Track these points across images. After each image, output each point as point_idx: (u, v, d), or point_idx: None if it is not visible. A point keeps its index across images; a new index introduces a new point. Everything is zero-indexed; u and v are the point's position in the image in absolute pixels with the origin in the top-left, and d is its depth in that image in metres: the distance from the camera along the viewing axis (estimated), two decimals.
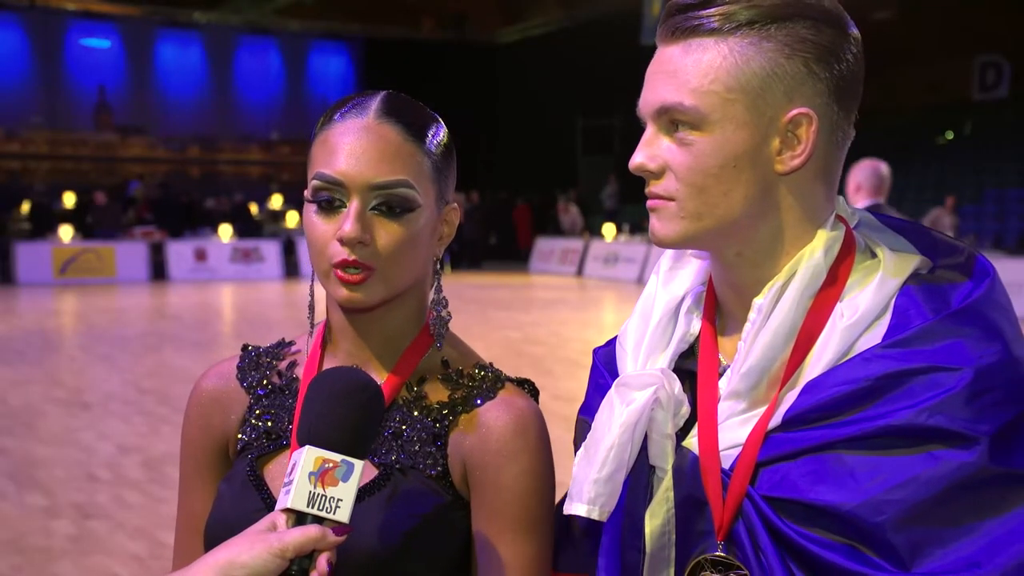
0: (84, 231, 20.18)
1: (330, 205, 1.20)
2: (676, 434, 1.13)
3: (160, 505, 5.60)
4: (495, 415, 1.24)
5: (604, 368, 1.26)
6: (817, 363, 1.05)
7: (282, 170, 27.78)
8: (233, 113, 28.18)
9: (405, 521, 1.18)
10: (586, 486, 1.12)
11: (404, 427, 1.25)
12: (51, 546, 4.96)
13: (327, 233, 1.19)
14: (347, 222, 1.17)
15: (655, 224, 1.11)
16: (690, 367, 1.17)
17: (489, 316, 14.09)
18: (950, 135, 25.10)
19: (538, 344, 11.39)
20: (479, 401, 1.25)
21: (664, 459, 1.12)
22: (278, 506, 1.03)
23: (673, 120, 1.07)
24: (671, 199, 1.08)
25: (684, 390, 1.14)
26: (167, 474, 6.16)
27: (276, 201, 24.58)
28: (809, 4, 1.06)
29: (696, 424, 1.12)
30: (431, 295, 1.30)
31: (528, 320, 14.09)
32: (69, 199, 22.13)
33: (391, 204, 1.19)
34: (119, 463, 6.46)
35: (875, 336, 1.03)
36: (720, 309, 1.18)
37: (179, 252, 20.27)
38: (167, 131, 27.20)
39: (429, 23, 27.91)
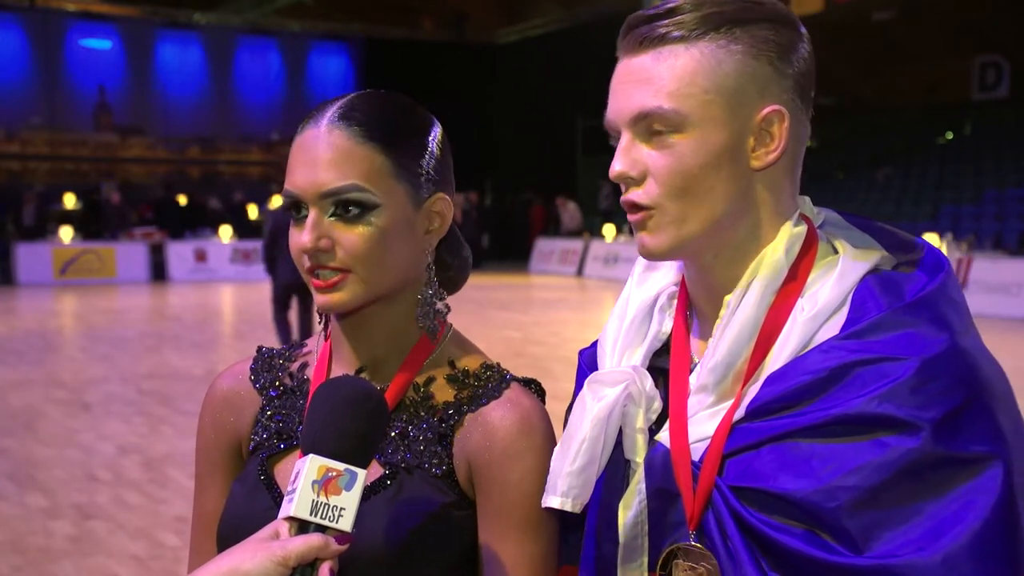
0: (87, 231, 20.19)
1: (298, 214, 1.23)
2: (650, 429, 1.16)
3: (160, 506, 5.60)
4: (500, 414, 1.24)
5: (588, 369, 1.29)
6: (779, 356, 1.08)
7: (282, 171, 27.62)
8: (233, 113, 28.17)
9: (410, 520, 1.18)
10: (560, 479, 1.15)
11: (410, 427, 1.25)
12: (51, 547, 4.96)
13: (297, 244, 1.22)
14: (304, 233, 1.20)
15: (645, 238, 1.12)
16: (664, 365, 1.20)
17: (489, 316, 14.09)
18: (950, 135, 25.09)
19: (538, 344, 11.40)
20: (485, 401, 1.26)
21: (636, 452, 1.16)
22: (281, 514, 1.03)
23: (651, 126, 1.09)
24: (653, 207, 1.10)
25: (657, 386, 1.18)
26: (167, 475, 6.17)
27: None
28: (765, 7, 1.11)
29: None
30: (422, 289, 1.29)
31: (528, 320, 14.09)
32: (69, 199, 22.14)
33: (346, 208, 1.20)
34: (119, 464, 6.46)
35: (833, 328, 1.07)
36: (692, 307, 1.21)
37: (179, 253, 20.28)
38: (167, 131, 27.20)
39: (429, 23, 27.91)
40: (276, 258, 9.35)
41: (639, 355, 1.21)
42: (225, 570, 0.98)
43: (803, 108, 1.13)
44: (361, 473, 1.03)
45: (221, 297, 17.78)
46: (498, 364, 1.32)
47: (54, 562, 4.76)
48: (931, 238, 16.13)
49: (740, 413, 1.08)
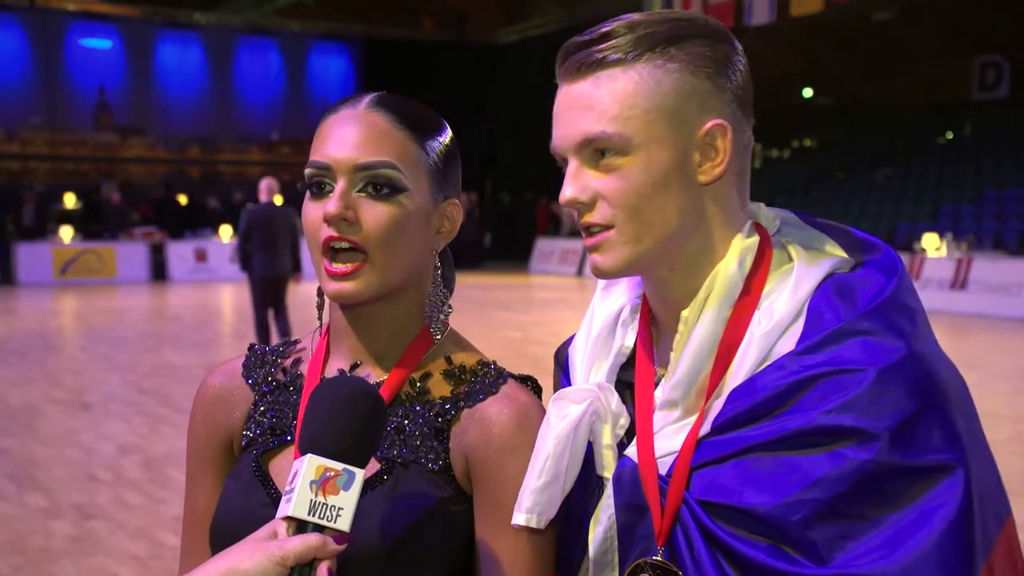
0: (87, 231, 20.19)
1: (320, 189, 1.23)
2: (621, 444, 1.18)
3: (160, 506, 5.60)
4: (497, 410, 1.25)
5: (559, 368, 1.32)
6: (739, 372, 1.09)
7: (282, 170, 27.70)
8: (233, 113, 28.16)
9: (407, 515, 1.18)
10: (525, 496, 1.17)
11: (406, 422, 1.25)
12: (51, 547, 4.96)
13: (317, 216, 1.22)
14: (331, 201, 1.20)
15: (597, 258, 1.13)
16: (631, 379, 1.21)
17: (489, 316, 14.09)
18: (950, 135, 25.10)
19: (538, 344, 11.40)
20: (482, 397, 1.26)
21: (605, 468, 1.17)
22: (279, 514, 1.03)
23: (597, 150, 1.11)
24: (609, 226, 1.11)
25: (625, 400, 1.19)
26: (167, 474, 6.17)
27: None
28: (698, 24, 1.13)
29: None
30: (430, 289, 1.30)
31: (528, 320, 14.10)
32: (69, 199, 22.15)
33: (376, 184, 1.21)
34: (119, 464, 6.46)
35: (790, 341, 1.08)
36: (655, 321, 1.22)
37: (179, 253, 20.28)
38: (167, 131, 27.19)
39: (429, 23, 27.91)
40: (251, 254, 9.49)
41: (604, 370, 1.22)
42: (223, 570, 0.98)
43: (744, 119, 1.14)
44: (359, 473, 1.03)
45: (221, 297, 17.78)
46: (494, 362, 1.32)
47: (54, 562, 4.77)
48: (931, 238, 16.16)
49: (706, 428, 1.09)
